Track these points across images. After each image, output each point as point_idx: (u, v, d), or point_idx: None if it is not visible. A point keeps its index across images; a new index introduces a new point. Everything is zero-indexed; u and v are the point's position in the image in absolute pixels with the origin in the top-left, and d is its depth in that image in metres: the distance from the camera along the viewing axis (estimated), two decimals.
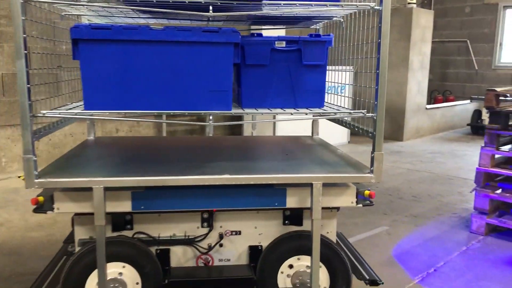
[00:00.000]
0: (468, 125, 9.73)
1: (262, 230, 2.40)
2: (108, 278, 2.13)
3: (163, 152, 2.58)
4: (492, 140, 3.74)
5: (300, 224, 2.38)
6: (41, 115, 2.00)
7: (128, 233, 2.28)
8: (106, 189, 2.02)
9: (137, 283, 2.22)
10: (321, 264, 2.27)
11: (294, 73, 2.25)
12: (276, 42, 2.22)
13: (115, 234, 2.26)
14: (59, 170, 2.15)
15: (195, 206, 2.18)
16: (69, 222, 2.38)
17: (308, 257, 2.25)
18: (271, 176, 2.11)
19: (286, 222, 2.38)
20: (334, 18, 2.68)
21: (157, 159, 2.42)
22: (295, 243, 2.30)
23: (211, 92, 2.09)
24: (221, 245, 2.39)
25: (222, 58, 2.06)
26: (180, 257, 2.36)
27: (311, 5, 2.08)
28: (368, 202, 2.28)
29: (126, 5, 2.07)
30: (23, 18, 1.86)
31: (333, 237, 2.47)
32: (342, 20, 2.65)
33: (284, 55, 2.23)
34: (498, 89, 3.80)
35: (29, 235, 3.49)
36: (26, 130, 1.92)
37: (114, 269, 2.20)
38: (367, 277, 2.43)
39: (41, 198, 2.08)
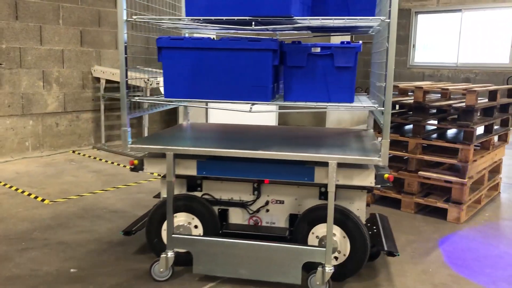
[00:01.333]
0: None
1: (301, 202, 2.91)
2: (178, 224, 2.90)
3: (231, 134, 3.18)
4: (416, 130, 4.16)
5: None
6: (135, 100, 2.82)
7: (198, 194, 2.98)
8: (177, 156, 2.73)
9: (199, 232, 2.91)
10: (345, 234, 2.73)
11: (327, 73, 2.69)
12: (312, 48, 2.67)
13: (190, 193, 2.96)
14: (147, 140, 2.86)
15: (242, 175, 2.72)
16: None
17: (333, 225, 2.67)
18: (294, 154, 2.54)
19: (322, 197, 2.86)
20: (365, 29, 3.11)
21: (224, 138, 3.02)
22: (323, 213, 2.71)
23: (254, 87, 2.65)
24: (267, 211, 2.95)
25: (263, 60, 2.62)
26: (236, 216, 2.99)
27: (331, 19, 2.56)
28: (388, 184, 2.62)
29: (203, 22, 2.78)
30: (125, 32, 2.62)
31: (363, 214, 2.85)
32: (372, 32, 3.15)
33: (319, 58, 2.67)
34: (402, 85, 4.40)
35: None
36: (123, 110, 2.70)
37: (184, 218, 2.92)
38: (386, 249, 2.82)
39: (136, 161, 2.85)
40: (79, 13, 6.37)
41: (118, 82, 6.58)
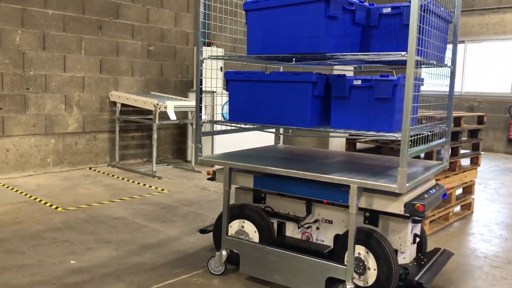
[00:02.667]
0: None
1: (347, 224, 3.07)
2: (239, 229, 3.39)
3: (299, 156, 3.56)
4: None
5: (376, 225, 3.02)
6: (205, 121, 3.50)
7: (261, 205, 3.44)
8: (233, 170, 3.29)
9: (255, 238, 3.33)
10: (368, 251, 2.89)
11: (368, 104, 2.89)
12: (354, 80, 2.92)
13: (255, 204, 3.44)
14: (215, 156, 3.43)
15: (287, 191, 3.07)
16: None
17: (362, 247, 2.91)
18: (322, 175, 2.81)
19: (366, 221, 3.03)
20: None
21: (288, 158, 3.43)
22: (359, 235, 2.90)
23: (296, 114, 3.05)
24: (317, 228, 3.23)
25: (303, 91, 3.00)
26: (292, 230, 3.36)
27: (357, 55, 2.88)
28: (418, 214, 2.72)
29: (259, 59, 3.39)
30: (201, 68, 3.30)
31: (404, 243, 2.95)
32: None
33: (360, 90, 2.90)
34: None
35: (2, 215, 4.21)
36: (198, 130, 3.33)
37: (245, 225, 3.38)
38: (416, 279, 2.87)
39: (211, 172, 3.42)
40: (99, 44, 7.12)
41: (132, 106, 7.25)
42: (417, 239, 3.16)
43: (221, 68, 7.91)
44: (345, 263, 2.83)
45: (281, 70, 3.45)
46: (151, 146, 7.70)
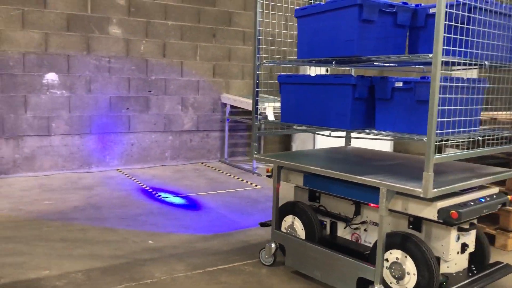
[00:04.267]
0: None
1: (393, 227, 3.09)
2: (289, 224, 3.56)
3: (354, 158, 3.63)
4: None
5: (419, 230, 2.97)
6: (261, 122, 3.76)
7: (316, 204, 3.60)
8: (282, 167, 3.51)
9: (302, 234, 3.47)
10: (407, 255, 2.82)
11: (409, 106, 2.88)
12: (395, 82, 2.91)
13: (309, 203, 3.62)
14: (271, 155, 3.63)
15: (333, 191, 3.19)
16: None
17: (399, 251, 2.87)
18: (352, 176, 2.89)
19: (410, 226, 3.00)
20: None
21: (342, 159, 3.52)
22: (397, 239, 2.88)
23: (338, 115, 3.14)
24: (365, 230, 3.30)
25: (343, 93, 3.09)
26: (343, 229, 3.47)
27: (390, 57, 2.93)
28: (450, 220, 2.67)
29: (307, 63, 3.53)
30: (257, 72, 3.58)
31: (447, 250, 2.87)
32: None
33: (401, 92, 2.90)
34: None
35: (112, 199, 4.87)
36: (254, 129, 3.62)
37: (295, 221, 3.53)
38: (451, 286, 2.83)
39: (270, 169, 3.62)
40: (213, 51, 7.79)
41: (240, 108, 7.79)
42: (467, 249, 3.02)
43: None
44: (391, 267, 2.86)
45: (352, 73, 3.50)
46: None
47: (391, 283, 2.93)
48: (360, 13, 2.85)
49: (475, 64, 2.87)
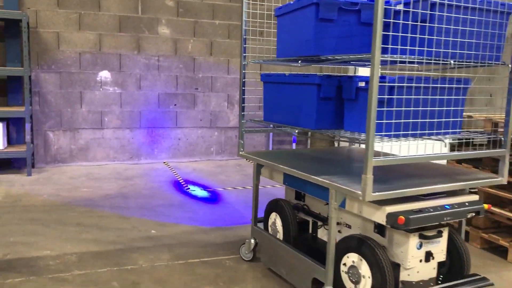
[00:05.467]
0: None
1: (362, 230, 3.03)
2: (272, 221, 3.57)
3: (337, 157, 3.65)
4: None
5: (383, 235, 2.87)
6: (247, 120, 3.75)
7: (300, 203, 3.60)
8: (262, 166, 3.53)
9: (281, 231, 3.49)
10: (362, 259, 2.76)
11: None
12: (359, 82, 2.84)
13: (295, 201, 3.64)
14: (258, 154, 3.65)
15: (304, 190, 3.13)
16: None
17: (355, 254, 2.81)
18: (307, 175, 2.92)
19: (375, 230, 2.92)
20: None
21: (322, 159, 3.54)
22: (353, 243, 2.83)
23: (304, 115, 3.12)
24: (339, 231, 3.20)
25: (309, 92, 3.06)
26: (322, 229, 3.46)
27: (349, 56, 3.10)
28: (397, 226, 2.60)
29: (282, 62, 3.51)
30: (244, 71, 4.25)
31: (406, 258, 2.75)
32: None
33: (365, 92, 2.83)
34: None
35: (143, 190, 5.16)
36: (240, 127, 3.65)
37: (276, 218, 3.54)
38: None
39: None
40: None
41: None
42: (433, 258, 2.84)
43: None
44: (348, 271, 2.82)
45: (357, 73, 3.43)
46: (305, 141, 8.14)
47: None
48: (317, 12, 2.82)
49: (439, 62, 2.69)
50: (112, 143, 7.32)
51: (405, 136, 2.69)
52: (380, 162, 2.51)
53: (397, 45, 2.72)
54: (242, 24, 3.61)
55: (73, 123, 7.08)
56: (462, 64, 2.76)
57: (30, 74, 6.67)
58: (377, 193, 2.51)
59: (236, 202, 5.30)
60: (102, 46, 7.08)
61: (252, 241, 3.59)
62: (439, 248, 2.86)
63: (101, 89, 7.16)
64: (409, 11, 2.70)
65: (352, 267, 2.82)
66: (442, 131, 2.84)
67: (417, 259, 2.78)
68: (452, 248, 2.98)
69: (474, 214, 2.80)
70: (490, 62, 2.85)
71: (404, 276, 2.80)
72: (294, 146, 8.33)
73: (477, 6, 2.73)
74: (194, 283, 3.25)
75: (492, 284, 2.92)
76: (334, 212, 2.73)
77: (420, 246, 2.77)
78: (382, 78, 2.67)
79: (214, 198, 5.45)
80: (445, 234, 2.84)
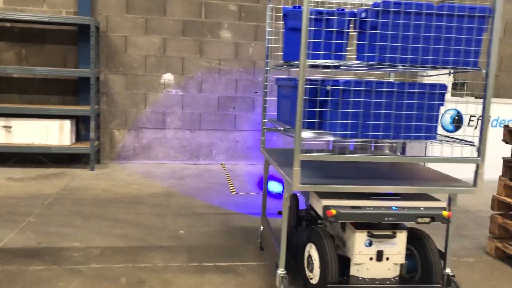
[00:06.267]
0: None
1: (333, 226, 3.18)
2: None
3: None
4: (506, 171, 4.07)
5: (343, 229, 3.00)
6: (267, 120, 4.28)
7: None
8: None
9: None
10: (315, 248, 2.88)
11: (334, 108, 2.98)
12: (327, 85, 2.92)
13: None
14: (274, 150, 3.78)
15: None
16: None
17: (312, 244, 2.94)
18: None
19: (340, 225, 3.04)
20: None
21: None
22: (310, 233, 2.99)
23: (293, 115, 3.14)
24: None
25: (293, 95, 3.13)
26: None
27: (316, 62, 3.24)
28: (326, 218, 2.72)
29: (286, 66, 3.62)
30: (266, 76, 3.83)
31: (353, 253, 2.84)
32: None
33: (336, 94, 2.91)
34: None
35: (190, 189, 5.24)
36: (262, 125, 3.79)
37: None
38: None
39: None
40: None
41: None
42: (387, 259, 2.83)
43: (449, 72, 7.23)
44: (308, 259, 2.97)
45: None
46: None
47: (309, 277, 2.95)
48: (286, 22, 3.07)
49: (385, 68, 2.82)
50: (173, 143, 7.59)
51: (353, 136, 2.78)
52: (307, 157, 2.63)
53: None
54: (266, 27, 3.63)
55: (137, 122, 7.45)
56: (416, 68, 2.78)
57: (98, 75, 7.13)
58: (304, 185, 2.65)
59: (272, 207, 5.22)
60: (166, 50, 7.37)
61: (261, 228, 3.90)
62: (396, 250, 2.85)
63: (164, 91, 7.46)
64: (365, 20, 2.80)
65: (309, 256, 2.95)
66: (412, 134, 2.83)
67: (367, 256, 2.83)
68: (422, 254, 2.94)
69: (430, 219, 2.76)
70: (465, 67, 2.75)
71: (353, 271, 2.87)
72: None
73: (434, 11, 2.68)
74: (198, 286, 3.25)
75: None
76: (285, 201, 2.86)
77: (370, 244, 2.83)
78: (335, 81, 2.80)
79: (245, 205, 5.42)
80: (402, 237, 2.83)
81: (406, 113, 2.78)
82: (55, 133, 6.72)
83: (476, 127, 7.10)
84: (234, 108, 7.67)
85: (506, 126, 3.99)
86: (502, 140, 4.04)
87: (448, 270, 2.99)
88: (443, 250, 3.06)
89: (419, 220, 2.74)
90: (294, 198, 3.50)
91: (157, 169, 7.08)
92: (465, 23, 2.68)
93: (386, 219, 2.69)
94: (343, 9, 2.98)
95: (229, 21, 7.47)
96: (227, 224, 4.60)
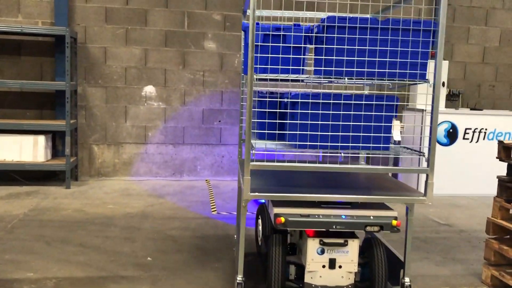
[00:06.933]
0: None
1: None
2: None
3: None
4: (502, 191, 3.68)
5: (300, 237, 3.16)
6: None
7: None
8: None
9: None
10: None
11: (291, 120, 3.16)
12: (286, 98, 3.09)
13: None
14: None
15: None
16: None
17: None
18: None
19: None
20: None
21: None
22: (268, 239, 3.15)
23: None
24: None
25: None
26: None
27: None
28: (276, 225, 2.84)
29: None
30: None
31: (305, 260, 2.95)
32: None
33: (292, 106, 3.03)
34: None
35: (166, 210, 4.89)
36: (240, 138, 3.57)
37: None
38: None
39: None
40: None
41: None
42: (340, 267, 2.90)
43: (442, 83, 6.94)
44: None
45: None
46: None
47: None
48: (245, 37, 3.13)
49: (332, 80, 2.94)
50: (155, 158, 7.26)
51: (304, 147, 2.89)
52: (257, 167, 2.78)
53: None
54: (241, 40, 3.50)
55: (117, 137, 7.12)
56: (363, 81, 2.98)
57: (76, 88, 6.83)
58: (254, 194, 2.79)
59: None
60: (147, 61, 7.07)
61: None
62: (348, 258, 2.92)
63: (145, 104, 7.14)
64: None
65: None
66: (360, 145, 2.90)
67: (319, 264, 2.91)
68: (372, 263, 3.00)
69: (379, 228, 2.83)
70: (412, 79, 2.85)
71: (307, 278, 2.93)
72: None
73: (372, 25, 2.78)
74: None
75: None
76: (243, 209, 2.90)
77: (322, 252, 2.90)
78: (285, 93, 3.04)
79: (236, 223, 5.07)
80: (354, 245, 2.90)
81: (354, 124, 2.86)
82: (29, 149, 6.39)
83: (471, 140, 6.77)
84: (219, 121, 7.35)
85: (500, 142, 3.66)
86: (497, 158, 3.71)
87: (407, 280, 3.00)
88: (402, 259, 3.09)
89: (368, 228, 2.84)
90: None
91: (137, 186, 6.74)
92: (410, 36, 2.77)
93: (334, 227, 2.79)
94: (298, 25, 3.04)
95: (213, 31, 7.17)
96: (201, 248, 4.25)
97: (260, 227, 3.67)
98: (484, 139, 6.79)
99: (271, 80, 3.22)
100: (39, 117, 6.94)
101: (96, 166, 7.11)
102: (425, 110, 6.62)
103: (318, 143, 2.87)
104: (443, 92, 6.97)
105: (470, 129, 6.75)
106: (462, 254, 4.37)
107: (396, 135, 6.22)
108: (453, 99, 7.28)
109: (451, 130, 6.71)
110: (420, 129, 6.66)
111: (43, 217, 5.02)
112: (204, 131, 7.34)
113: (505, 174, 3.69)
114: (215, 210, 5.57)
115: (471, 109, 7.01)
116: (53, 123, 6.39)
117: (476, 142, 6.78)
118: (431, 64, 6.24)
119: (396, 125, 5.92)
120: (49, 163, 6.42)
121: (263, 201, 3.96)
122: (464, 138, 6.76)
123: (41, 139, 6.41)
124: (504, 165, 3.79)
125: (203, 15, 7.12)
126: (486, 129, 6.80)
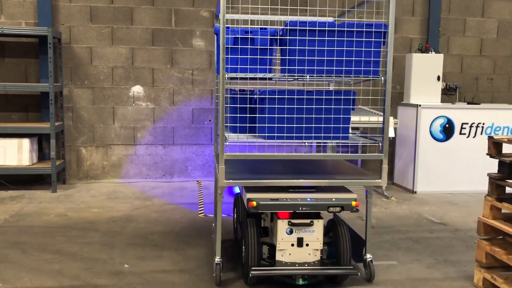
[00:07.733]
0: None
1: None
2: None
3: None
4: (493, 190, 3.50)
5: (272, 221, 3.48)
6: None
7: None
8: None
9: None
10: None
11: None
12: (255, 94, 3.51)
13: None
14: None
15: None
16: None
17: None
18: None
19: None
20: None
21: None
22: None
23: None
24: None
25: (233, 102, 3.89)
26: None
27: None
28: (248, 209, 3.18)
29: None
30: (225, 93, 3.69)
31: (276, 239, 3.28)
32: None
33: (261, 103, 3.41)
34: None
35: (152, 212, 4.73)
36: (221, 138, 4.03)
37: None
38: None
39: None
40: None
41: None
42: (307, 246, 3.23)
43: (438, 77, 6.72)
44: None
45: None
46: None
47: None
48: (217, 39, 3.31)
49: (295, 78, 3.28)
50: (144, 159, 7.10)
51: (277, 138, 3.28)
52: (230, 156, 3.15)
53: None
54: (221, 38, 3.29)
55: (105, 138, 6.97)
56: (322, 78, 3.25)
57: (61, 90, 6.68)
58: (228, 181, 3.16)
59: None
60: (134, 61, 6.91)
61: None
62: (314, 237, 3.25)
63: (133, 105, 6.99)
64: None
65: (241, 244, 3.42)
66: (322, 135, 3.28)
67: (288, 243, 3.24)
68: (337, 241, 3.33)
69: (340, 208, 3.15)
70: (367, 76, 3.17)
71: (278, 256, 3.26)
72: None
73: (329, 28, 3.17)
74: None
75: (356, 274, 3.28)
76: (219, 196, 3.29)
77: (291, 231, 3.22)
78: (254, 91, 3.42)
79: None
80: (319, 225, 3.24)
81: (316, 116, 3.17)
82: (13, 153, 6.25)
83: (468, 136, 6.56)
84: (210, 120, 7.18)
85: (490, 138, 3.46)
86: (487, 154, 3.51)
87: (368, 256, 3.48)
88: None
89: (331, 209, 3.13)
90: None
91: (125, 188, 6.59)
92: (363, 37, 3.10)
93: (300, 208, 3.10)
94: (265, 28, 3.32)
95: (201, 28, 7.00)
96: (182, 254, 4.09)
97: (235, 215, 4.10)
98: (481, 134, 6.58)
99: (241, 78, 3.48)
100: (25, 120, 6.80)
101: (85, 168, 6.97)
102: (419, 105, 6.42)
103: (285, 134, 3.20)
104: (439, 87, 6.75)
105: (467, 123, 6.54)
106: (455, 256, 4.18)
107: (390, 132, 6.03)
108: (450, 93, 7.06)
109: (447, 125, 6.51)
110: (415, 124, 6.46)
111: (24, 223, 4.88)
112: (194, 131, 7.18)
113: (496, 171, 3.50)
114: (202, 213, 5.41)
115: (468, 103, 6.80)
116: (38, 125, 6.25)
117: (474, 137, 6.57)
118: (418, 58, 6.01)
119: (390, 122, 5.74)
120: (34, 166, 6.28)
121: (238, 191, 4.26)
122: (461, 133, 6.55)
123: (26, 142, 6.27)
124: (495, 162, 3.60)
125: (190, 12, 6.95)
126: (483, 124, 6.58)
